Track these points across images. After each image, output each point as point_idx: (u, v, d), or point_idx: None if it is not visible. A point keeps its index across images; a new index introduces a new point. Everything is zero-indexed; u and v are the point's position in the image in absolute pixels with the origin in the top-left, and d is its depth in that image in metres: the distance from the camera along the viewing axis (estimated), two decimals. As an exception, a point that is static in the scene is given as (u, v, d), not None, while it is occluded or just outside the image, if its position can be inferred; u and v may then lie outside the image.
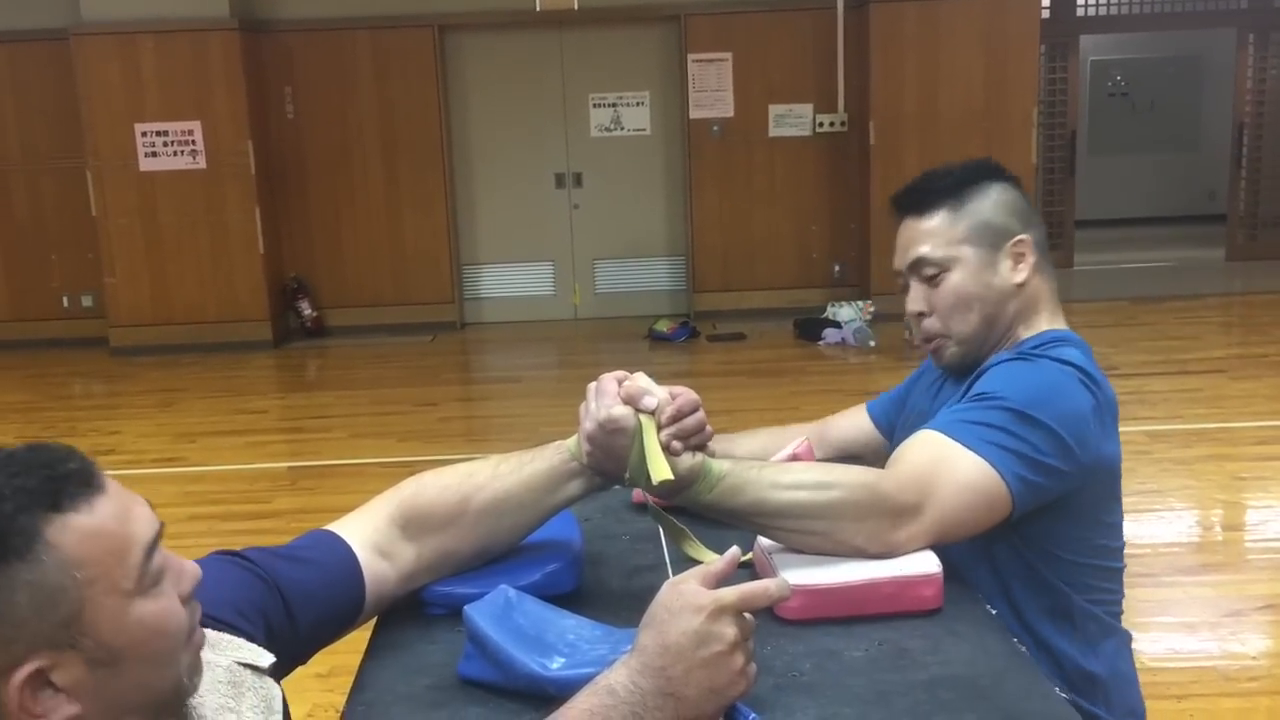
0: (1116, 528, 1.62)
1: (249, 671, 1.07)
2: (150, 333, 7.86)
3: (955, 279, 1.62)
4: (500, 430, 6.08)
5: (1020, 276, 1.61)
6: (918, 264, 1.64)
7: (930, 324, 1.65)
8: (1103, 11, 9.75)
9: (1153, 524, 4.12)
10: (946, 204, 1.63)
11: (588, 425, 1.33)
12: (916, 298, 1.66)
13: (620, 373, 1.37)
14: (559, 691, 1.13)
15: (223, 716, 1.03)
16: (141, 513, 0.95)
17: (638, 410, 1.31)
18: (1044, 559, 1.54)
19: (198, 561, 1.17)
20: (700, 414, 1.34)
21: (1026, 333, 1.64)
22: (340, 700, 1.22)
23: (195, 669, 0.99)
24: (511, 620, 1.20)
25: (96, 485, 0.92)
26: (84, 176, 7.78)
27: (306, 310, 8.23)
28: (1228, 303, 8.43)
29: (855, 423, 1.91)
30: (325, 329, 8.29)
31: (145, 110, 7.67)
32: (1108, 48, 11.62)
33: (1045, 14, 8.78)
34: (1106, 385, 1.57)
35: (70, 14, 7.63)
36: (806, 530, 1.37)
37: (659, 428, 1.31)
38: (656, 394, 1.32)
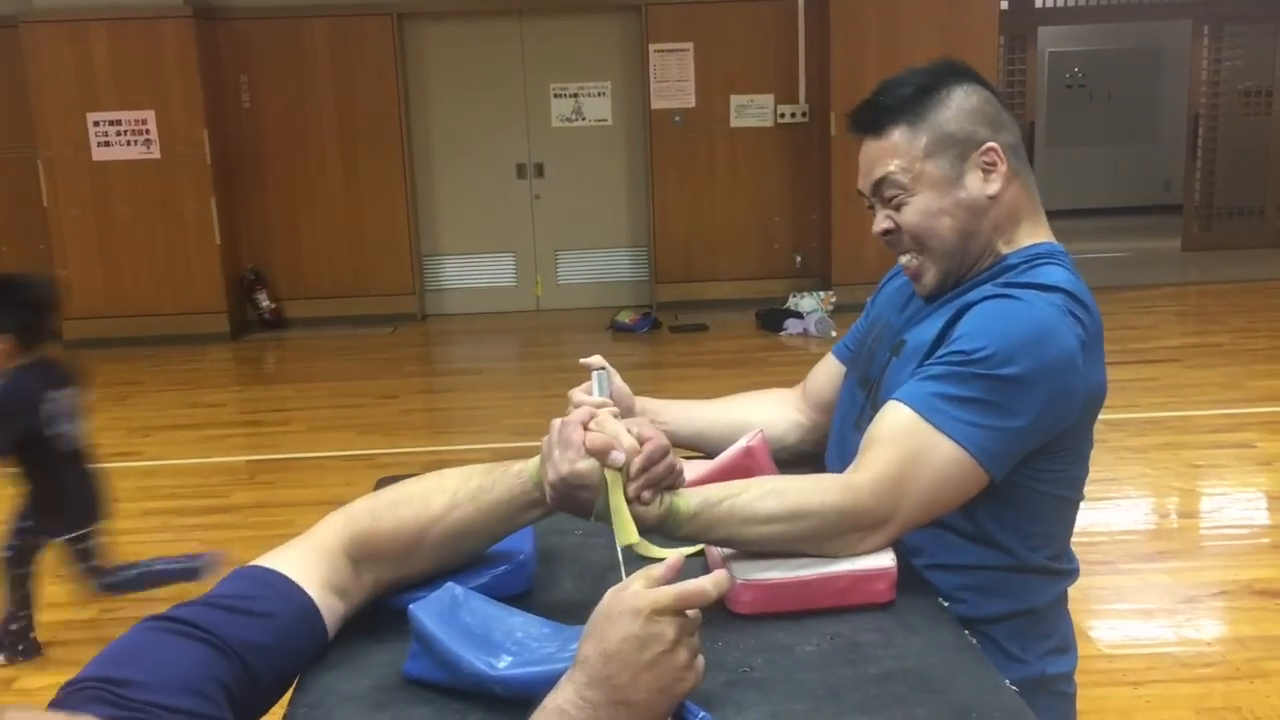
0: (1086, 457, 1.55)
1: None
2: (104, 325, 7.74)
3: (921, 200, 1.50)
4: (462, 422, 6.05)
5: (993, 188, 1.49)
6: (880, 186, 1.52)
7: (901, 242, 1.54)
8: (1061, 3, 9.83)
9: (1109, 512, 4.16)
10: (904, 119, 1.49)
11: (550, 476, 1.26)
12: (881, 219, 1.54)
13: (584, 412, 1.29)
14: (505, 691, 1.11)
15: None
16: None
17: (604, 465, 1.25)
18: (1006, 494, 1.45)
19: (131, 632, 1.07)
20: (670, 459, 1.30)
21: (1007, 248, 1.53)
22: (292, 701, 1.20)
23: None
24: (458, 619, 1.18)
25: None
26: (35, 166, 7.65)
27: (264, 302, 8.15)
28: (1183, 292, 8.53)
29: (827, 373, 1.85)
30: (284, 321, 8.20)
31: (98, 99, 7.55)
32: (1066, 39, 11.71)
33: (1004, 6, 8.82)
34: (1093, 305, 1.48)
35: (20, 1, 7.49)
36: (780, 551, 1.35)
37: (626, 478, 1.26)
38: (624, 442, 1.25)
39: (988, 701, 1.13)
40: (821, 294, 7.78)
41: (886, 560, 1.34)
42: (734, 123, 8.20)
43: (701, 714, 1.02)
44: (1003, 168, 1.49)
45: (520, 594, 1.37)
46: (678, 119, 8.16)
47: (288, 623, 1.18)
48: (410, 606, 1.19)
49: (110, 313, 7.77)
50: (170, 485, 4.95)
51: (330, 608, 1.24)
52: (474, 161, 8.33)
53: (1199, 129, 9.65)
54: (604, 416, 1.28)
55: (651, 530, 1.30)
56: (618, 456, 1.24)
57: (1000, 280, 1.49)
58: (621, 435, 1.26)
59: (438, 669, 1.16)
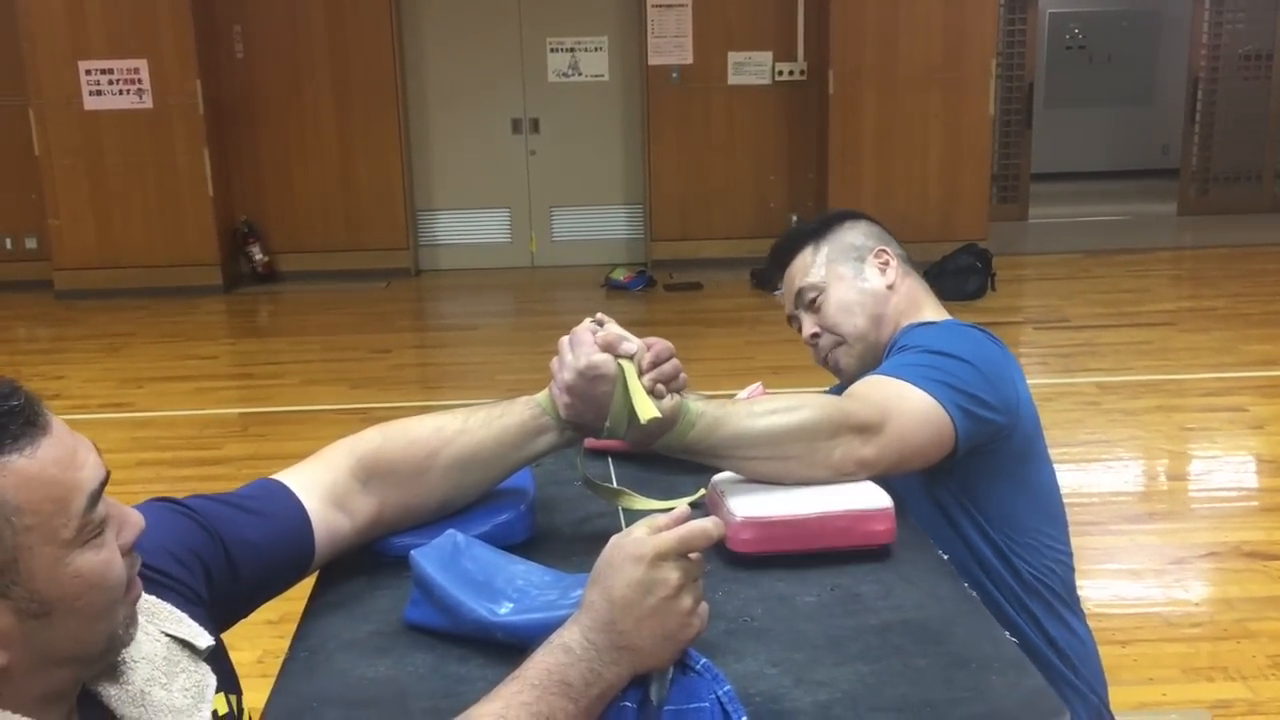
0: (1054, 497, 1.72)
1: (186, 654, 1.03)
2: (96, 276, 7.70)
3: (833, 294, 1.77)
4: (455, 378, 6.04)
5: (889, 279, 1.77)
6: (800, 296, 1.80)
7: (824, 340, 1.79)
8: (1063, -37, 9.74)
9: (1100, 473, 4.17)
10: (810, 243, 1.82)
11: (566, 376, 1.32)
12: (808, 324, 1.80)
13: (592, 323, 1.36)
14: (506, 637, 1.12)
15: (151, 689, 0.99)
16: (87, 458, 0.90)
17: (617, 356, 1.31)
18: (1003, 533, 1.63)
19: (135, 508, 1.13)
20: (676, 361, 1.37)
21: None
22: (290, 647, 1.20)
23: (131, 621, 0.96)
24: (459, 565, 1.18)
25: (40, 425, 0.87)
26: (26, 115, 7.57)
27: (258, 255, 8.10)
28: (1178, 257, 8.52)
29: None
30: (277, 274, 8.16)
31: (90, 47, 7.46)
32: (1066, 0, 11.62)
33: (1006, -36, 8.75)
34: (1008, 352, 1.68)
35: (10, -54, 7.39)
36: (784, 455, 1.38)
37: (640, 372, 1.32)
38: (633, 340, 1.33)
39: (987, 652, 1.13)
40: (817, 254, 7.76)
41: (884, 500, 1.35)
42: (731, 80, 8.13)
43: (703, 661, 1.03)
44: (895, 265, 1.78)
45: (521, 543, 1.37)
46: (675, 75, 8.10)
47: (277, 526, 1.21)
48: (412, 552, 1.19)
49: (102, 264, 7.72)
50: (163, 437, 4.95)
51: (326, 520, 1.26)
52: (469, 115, 8.26)
53: (1198, 93, 9.61)
54: (609, 326, 1.36)
55: (665, 426, 1.34)
56: (629, 346, 1.32)
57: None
58: (628, 335, 1.34)
59: (439, 615, 1.17)
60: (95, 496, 0.90)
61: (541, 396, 1.36)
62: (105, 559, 0.90)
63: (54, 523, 0.87)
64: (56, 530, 0.87)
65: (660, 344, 1.36)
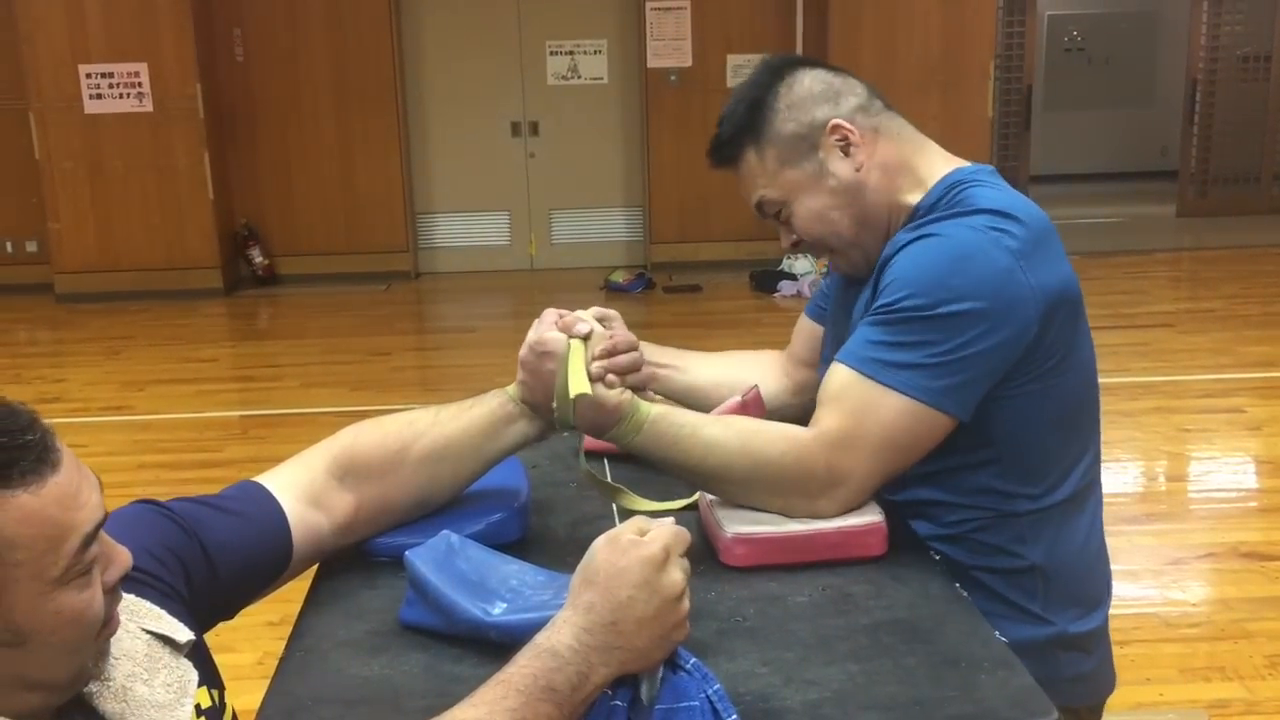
0: (1081, 363, 1.46)
1: (167, 650, 1.04)
2: (97, 279, 7.71)
3: (801, 207, 1.49)
4: (454, 380, 6.05)
5: (857, 160, 1.46)
6: (761, 209, 1.54)
7: (811, 248, 1.55)
8: (1061, -35, 9.75)
9: (1099, 475, 4.18)
10: (748, 142, 1.49)
11: (521, 352, 1.35)
12: (784, 235, 1.56)
13: (565, 312, 1.38)
14: (500, 637, 1.13)
15: (133, 685, 1.00)
16: (89, 498, 0.91)
17: (570, 336, 1.32)
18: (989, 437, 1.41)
19: (117, 511, 1.13)
20: (635, 355, 1.36)
21: (913, 196, 1.48)
22: (289, 648, 1.21)
23: (101, 655, 0.97)
24: (453, 565, 1.19)
25: (51, 463, 0.88)
26: (27, 119, 7.58)
27: (257, 258, 8.11)
28: (1177, 258, 8.52)
29: (806, 332, 1.84)
30: (277, 277, 8.17)
31: (90, 51, 7.47)
32: (1065, 2, 11.63)
33: (1004, -33, 8.76)
34: (1024, 210, 1.42)
35: (10, -50, 7.40)
36: (734, 495, 1.37)
37: (591, 358, 1.32)
38: (594, 326, 1.34)
39: (977, 651, 1.14)
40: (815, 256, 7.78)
41: (875, 515, 1.35)
42: (730, 83, 8.12)
43: (692, 660, 1.03)
44: (856, 136, 1.46)
45: (514, 542, 1.38)
46: (674, 78, 8.10)
47: (255, 527, 1.22)
48: (406, 553, 1.20)
49: (102, 267, 7.73)
50: (164, 439, 4.96)
51: (304, 520, 1.27)
52: (468, 119, 8.27)
53: (1196, 94, 9.61)
54: (579, 312, 1.37)
55: (607, 419, 1.32)
56: (582, 327, 1.33)
57: (917, 223, 1.44)
58: (591, 320, 1.35)
59: (433, 615, 1.18)
60: (90, 537, 0.90)
61: (512, 387, 1.38)
62: (87, 599, 0.91)
63: (44, 560, 0.87)
64: (45, 568, 0.88)
65: (622, 336, 1.36)
